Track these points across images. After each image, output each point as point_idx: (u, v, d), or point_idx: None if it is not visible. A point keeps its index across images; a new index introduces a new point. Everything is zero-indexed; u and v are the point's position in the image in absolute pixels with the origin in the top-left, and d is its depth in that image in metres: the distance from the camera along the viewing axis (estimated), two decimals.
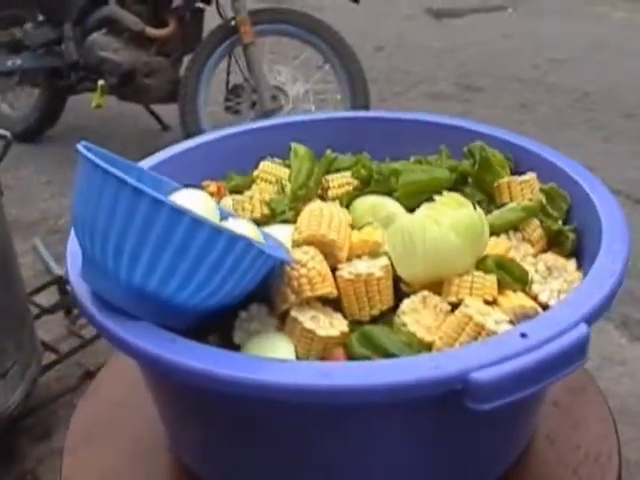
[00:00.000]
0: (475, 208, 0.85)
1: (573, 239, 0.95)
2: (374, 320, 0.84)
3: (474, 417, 0.76)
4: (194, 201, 0.80)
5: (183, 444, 0.94)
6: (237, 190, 1.06)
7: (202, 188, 1.02)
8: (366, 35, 4.77)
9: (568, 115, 3.88)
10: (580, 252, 0.95)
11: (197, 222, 0.70)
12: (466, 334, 0.75)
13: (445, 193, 0.88)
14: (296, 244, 0.85)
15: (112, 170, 0.70)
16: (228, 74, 3.25)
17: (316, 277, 0.80)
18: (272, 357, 0.77)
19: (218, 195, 1.02)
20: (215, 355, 0.71)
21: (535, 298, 0.84)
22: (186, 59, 3.26)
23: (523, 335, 0.71)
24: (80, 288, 0.81)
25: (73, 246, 0.87)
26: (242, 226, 0.81)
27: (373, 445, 0.77)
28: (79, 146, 0.76)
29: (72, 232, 0.90)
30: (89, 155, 0.72)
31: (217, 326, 0.83)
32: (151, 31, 3.17)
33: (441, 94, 4.19)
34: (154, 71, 3.19)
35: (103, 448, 1.01)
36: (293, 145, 1.03)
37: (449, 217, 0.82)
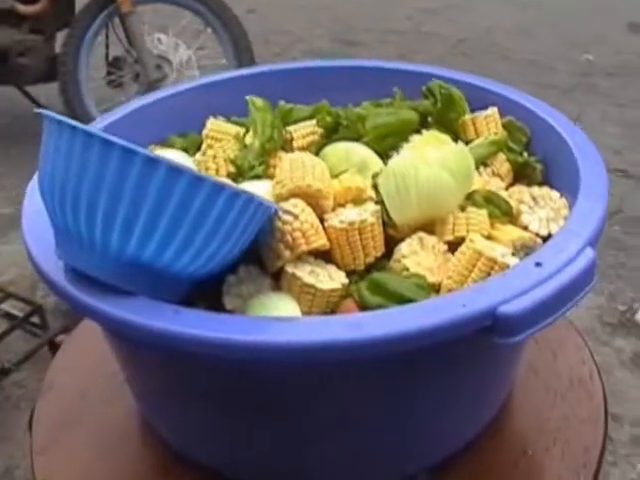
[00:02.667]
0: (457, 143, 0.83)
1: (541, 169, 0.95)
2: (368, 269, 0.80)
3: (491, 353, 0.75)
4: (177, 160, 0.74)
5: (167, 423, 0.89)
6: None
7: None
8: None
9: (449, 62, 3.92)
10: (547, 181, 0.95)
11: (198, 179, 0.64)
12: (478, 270, 0.73)
13: (424, 132, 0.85)
14: (280, 198, 0.80)
15: (95, 132, 0.63)
16: (107, 47, 3.11)
17: (309, 230, 0.76)
18: (287, 317, 0.72)
19: None
20: (231, 322, 0.66)
21: (525, 228, 0.83)
22: (60, 35, 3.10)
23: (538, 264, 0.69)
24: (53, 270, 0.73)
25: (31, 226, 0.80)
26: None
27: (390, 395, 0.74)
28: (44, 112, 0.68)
29: (26, 209, 0.83)
30: (64, 119, 0.65)
31: (202, 295, 0.78)
32: (21, 8, 2.99)
33: (321, 51, 4.15)
34: (28, 50, 3.01)
35: (74, 443, 0.94)
36: (249, 98, 0.97)
37: (437, 155, 0.79)
